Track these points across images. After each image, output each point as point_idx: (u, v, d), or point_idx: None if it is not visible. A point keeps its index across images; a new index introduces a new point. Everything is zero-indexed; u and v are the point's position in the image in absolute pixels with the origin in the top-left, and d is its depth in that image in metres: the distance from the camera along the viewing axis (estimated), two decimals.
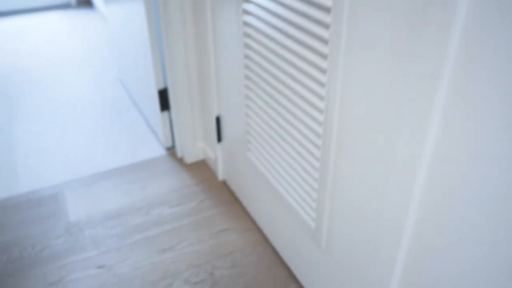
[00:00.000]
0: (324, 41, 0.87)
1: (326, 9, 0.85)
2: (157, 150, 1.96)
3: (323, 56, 0.89)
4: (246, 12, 1.16)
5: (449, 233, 0.71)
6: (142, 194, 1.71)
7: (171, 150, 1.95)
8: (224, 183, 1.75)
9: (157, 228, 1.54)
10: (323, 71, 0.91)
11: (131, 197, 1.69)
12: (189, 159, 1.87)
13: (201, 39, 1.55)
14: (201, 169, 1.83)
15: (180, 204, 1.65)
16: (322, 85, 0.92)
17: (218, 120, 1.61)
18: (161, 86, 1.79)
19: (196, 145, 1.86)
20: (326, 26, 0.86)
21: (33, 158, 1.93)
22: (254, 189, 1.46)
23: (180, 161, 1.89)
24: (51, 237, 1.52)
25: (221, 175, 1.75)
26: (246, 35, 1.19)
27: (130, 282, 1.35)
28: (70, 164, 1.88)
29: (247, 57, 1.23)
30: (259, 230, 1.52)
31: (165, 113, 1.86)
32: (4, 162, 1.91)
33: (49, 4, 3.89)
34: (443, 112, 0.66)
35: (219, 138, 1.65)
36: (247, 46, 1.21)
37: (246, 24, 1.17)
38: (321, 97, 0.94)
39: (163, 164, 1.87)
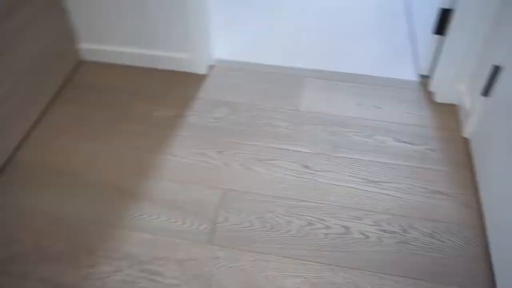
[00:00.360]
0: None
1: None
2: (409, 73, 1.76)
3: None
4: None
5: None
6: (374, 113, 1.59)
7: (425, 79, 1.72)
8: (465, 142, 1.49)
9: (373, 155, 1.44)
10: None
11: (362, 112, 1.59)
12: (440, 98, 1.62)
13: None
14: (447, 114, 1.58)
15: (408, 142, 1.48)
16: None
17: (496, 70, 1.30)
18: (446, 5, 1.51)
19: (455, 86, 1.58)
20: None
21: (293, 38, 1.96)
22: (505, 163, 1.19)
23: (429, 95, 1.66)
24: (276, 116, 1.56)
25: (467, 131, 1.48)
26: None
27: (325, 193, 1.33)
28: (319, 53, 1.85)
29: None
30: (479, 212, 1.28)
31: (437, 37, 1.61)
32: (262, 34, 2.00)
33: None
34: None
35: (487, 92, 1.36)
36: None
37: None
38: None
39: (409, 91, 1.68)
